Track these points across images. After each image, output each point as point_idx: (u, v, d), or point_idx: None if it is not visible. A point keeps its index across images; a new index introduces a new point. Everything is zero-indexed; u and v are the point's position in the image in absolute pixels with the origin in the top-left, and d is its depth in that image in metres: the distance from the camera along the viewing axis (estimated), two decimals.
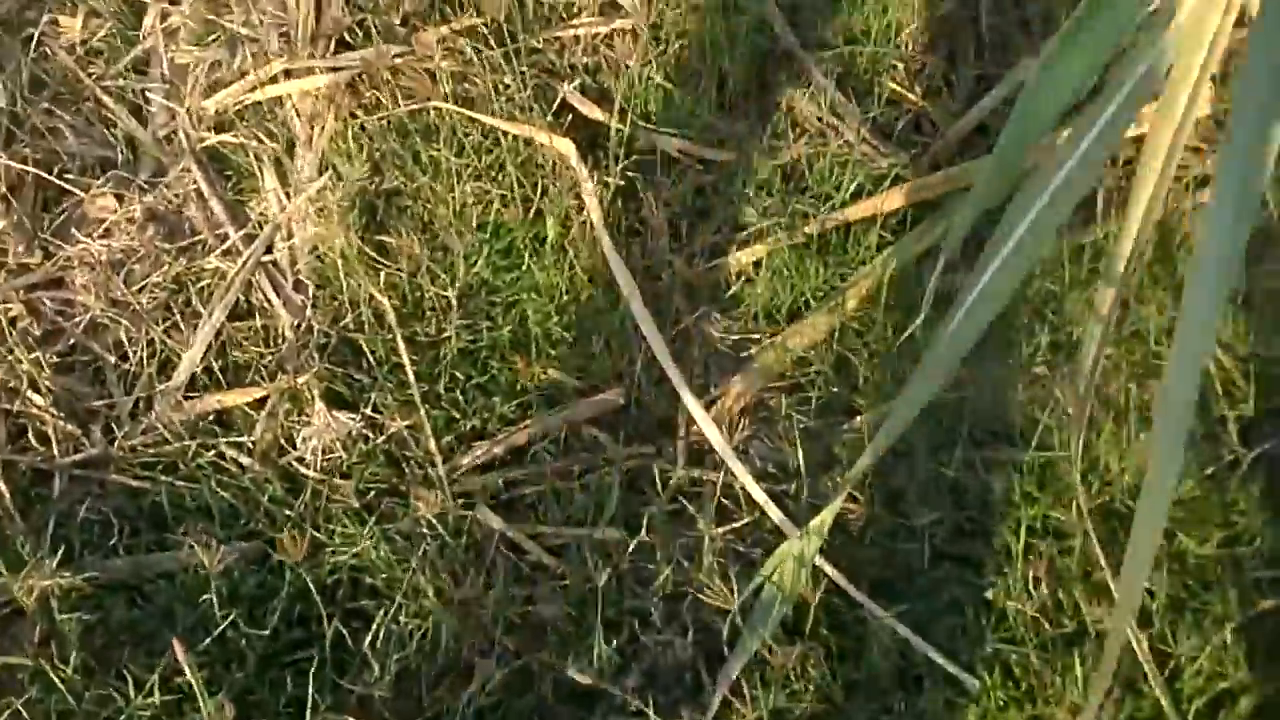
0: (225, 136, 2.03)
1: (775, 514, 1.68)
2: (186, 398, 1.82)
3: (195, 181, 2.00)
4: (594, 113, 2.09)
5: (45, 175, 1.99)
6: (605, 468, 1.78)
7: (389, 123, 2.02)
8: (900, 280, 1.93)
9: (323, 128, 2.04)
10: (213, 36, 2.20)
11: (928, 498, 1.73)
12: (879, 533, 1.69)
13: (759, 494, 1.70)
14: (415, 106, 2.02)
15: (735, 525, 1.70)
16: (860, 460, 1.50)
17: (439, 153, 2.02)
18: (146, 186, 2.00)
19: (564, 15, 2.21)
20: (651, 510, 1.72)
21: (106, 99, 2.14)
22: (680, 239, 2.04)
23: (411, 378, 1.80)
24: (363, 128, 2.04)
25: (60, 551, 1.61)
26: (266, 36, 2.14)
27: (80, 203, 1.98)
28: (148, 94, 2.15)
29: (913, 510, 1.72)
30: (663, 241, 2.01)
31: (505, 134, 2.03)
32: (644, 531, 1.67)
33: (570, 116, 2.07)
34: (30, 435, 1.74)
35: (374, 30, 2.09)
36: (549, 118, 2.05)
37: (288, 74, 2.06)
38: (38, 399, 1.75)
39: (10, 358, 1.77)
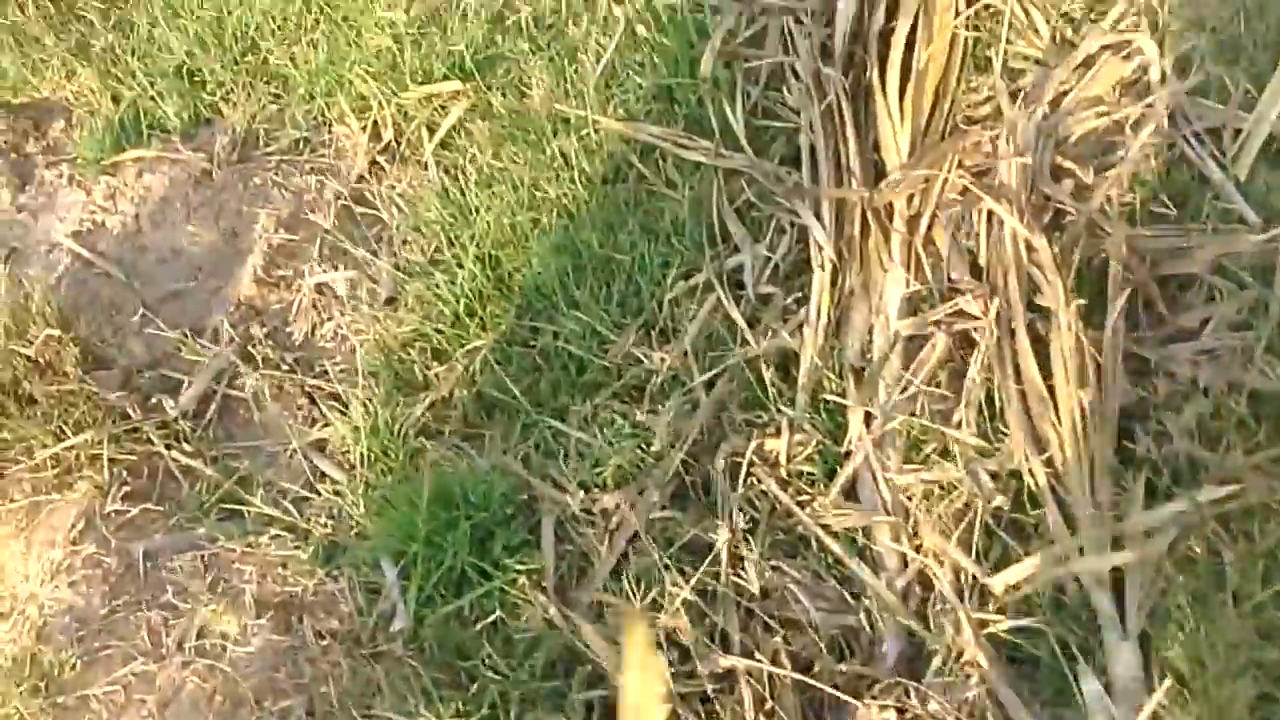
0: (1021, 622, 1.65)
1: None
2: None
3: (986, 681, 1.63)
4: None
5: (805, 678, 1.70)
6: None
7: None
8: None
9: (1139, 605, 1.61)
10: (931, 447, 1.85)
11: None
12: None
13: None
14: None
15: None
16: None
17: None
18: (924, 692, 1.65)
19: None
20: None
21: (832, 543, 1.82)
22: None
23: None
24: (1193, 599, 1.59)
25: None
26: (1022, 453, 1.75)
27: (852, 711, 1.67)
28: (873, 534, 1.82)
29: None
30: None
31: None
32: None
33: None
34: None
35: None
36: None
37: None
38: None
39: None
